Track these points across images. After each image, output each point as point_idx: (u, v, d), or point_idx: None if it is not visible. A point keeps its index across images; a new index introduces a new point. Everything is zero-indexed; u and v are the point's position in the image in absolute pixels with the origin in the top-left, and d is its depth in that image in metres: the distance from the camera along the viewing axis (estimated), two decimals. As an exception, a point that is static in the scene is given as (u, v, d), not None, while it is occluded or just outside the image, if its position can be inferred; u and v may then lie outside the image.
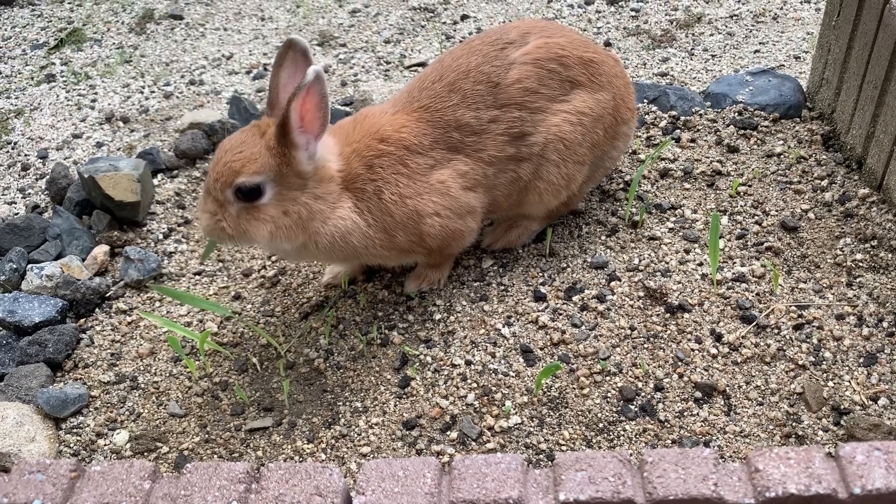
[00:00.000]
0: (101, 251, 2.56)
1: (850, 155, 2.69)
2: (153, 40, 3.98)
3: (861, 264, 2.33)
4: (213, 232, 2.02)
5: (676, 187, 2.67)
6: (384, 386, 2.12)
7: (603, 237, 2.50)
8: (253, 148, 1.95)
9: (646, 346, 2.15)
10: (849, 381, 2.03)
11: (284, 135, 1.93)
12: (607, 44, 3.63)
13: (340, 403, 2.09)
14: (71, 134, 3.31)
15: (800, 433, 1.93)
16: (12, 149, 3.26)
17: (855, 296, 2.25)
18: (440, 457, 1.93)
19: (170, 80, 3.64)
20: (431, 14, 4.03)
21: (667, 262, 2.38)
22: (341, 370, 2.18)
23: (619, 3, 3.95)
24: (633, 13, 3.88)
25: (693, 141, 2.85)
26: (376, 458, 1.93)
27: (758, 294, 2.26)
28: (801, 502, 1.36)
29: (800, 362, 2.08)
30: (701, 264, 2.37)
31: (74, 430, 2.08)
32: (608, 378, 2.08)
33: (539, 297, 2.31)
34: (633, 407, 2.01)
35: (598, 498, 1.37)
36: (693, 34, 3.67)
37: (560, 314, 2.25)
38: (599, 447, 1.94)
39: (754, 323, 2.18)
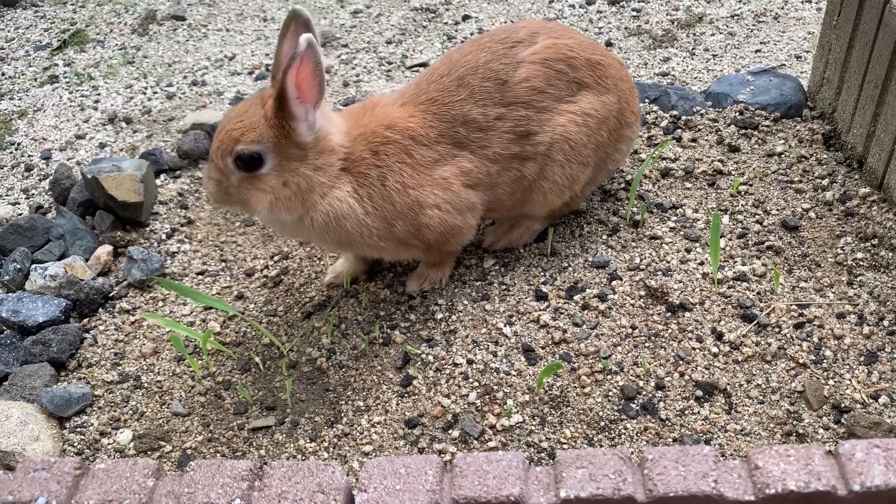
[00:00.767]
0: (104, 251, 2.57)
1: (850, 154, 2.69)
2: (156, 41, 3.99)
3: (862, 263, 2.33)
4: (217, 198, 2.06)
5: (677, 187, 2.68)
6: (386, 385, 2.13)
7: (604, 236, 2.51)
8: (253, 117, 1.97)
9: (647, 344, 2.16)
10: (849, 380, 2.04)
11: (282, 106, 1.94)
12: (609, 44, 3.64)
13: (343, 402, 2.10)
14: (74, 135, 3.32)
15: (800, 431, 1.94)
16: (16, 150, 3.27)
17: (856, 294, 2.25)
18: (442, 455, 1.94)
19: (172, 81, 3.65)
20: (433, 15, 4.04)
21: (668, 262, 2.38)
22: (344, 369, 2.18)
23: (621, 4, 3.96)
24: (634, 13, 3.88)
25: (694, 140, 2.86)
26: (378, 456, 1.94)
27: (759, 293, 2.27)
28: (800, 499, 1.37)
29: (800, 361, 2.08)
30: (702, 263, 2.38)
31: (78, 430, 2.09)
32: (609, 377, 2.08)
33: (540, 297, 2.31)
34: (634, 405, 2.02)
35: (599, 495, 1.37)
36: (694, 34, 3.68)
37: (561, 313, 2.26)
38: (601, 445, 1.94)
39: (755, 322, 2.18)
